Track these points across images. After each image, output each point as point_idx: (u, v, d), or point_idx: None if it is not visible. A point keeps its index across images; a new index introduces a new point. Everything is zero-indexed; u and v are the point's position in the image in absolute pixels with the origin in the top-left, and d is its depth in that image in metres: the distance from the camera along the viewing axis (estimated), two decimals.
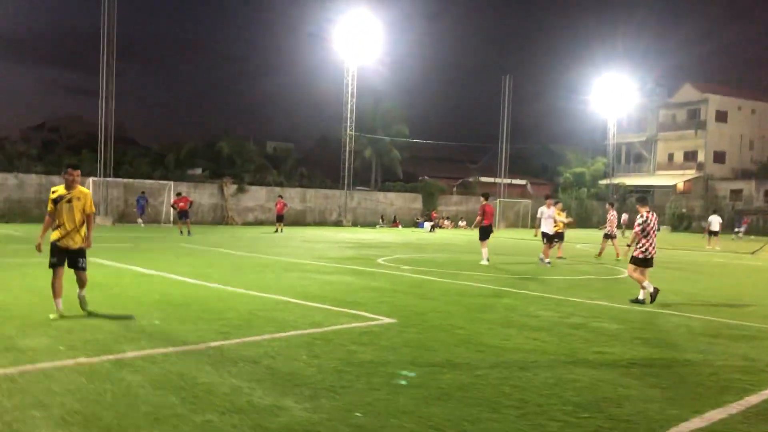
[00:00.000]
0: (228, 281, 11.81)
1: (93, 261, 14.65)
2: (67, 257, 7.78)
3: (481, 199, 17.63)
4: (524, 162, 65.43)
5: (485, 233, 17.19)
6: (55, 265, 7.75)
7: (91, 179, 33.34)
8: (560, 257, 19.26)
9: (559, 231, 18.86)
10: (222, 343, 6.83)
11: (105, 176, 35.33)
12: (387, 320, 8.42)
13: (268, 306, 9.27)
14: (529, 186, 63.54)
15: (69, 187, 7.77)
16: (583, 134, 67.46)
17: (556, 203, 19.41)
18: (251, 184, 42.12)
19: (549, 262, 17.26)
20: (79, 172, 7.81)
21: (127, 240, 22.50)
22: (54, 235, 7.75)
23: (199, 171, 43.52)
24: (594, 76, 58.97)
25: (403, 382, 5.60)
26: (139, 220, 33.10)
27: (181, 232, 26.65)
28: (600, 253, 21.05)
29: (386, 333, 7.62)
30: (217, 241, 22.97)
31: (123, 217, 35.63)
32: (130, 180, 36.30)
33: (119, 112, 70.55)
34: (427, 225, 42.31)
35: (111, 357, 6.09)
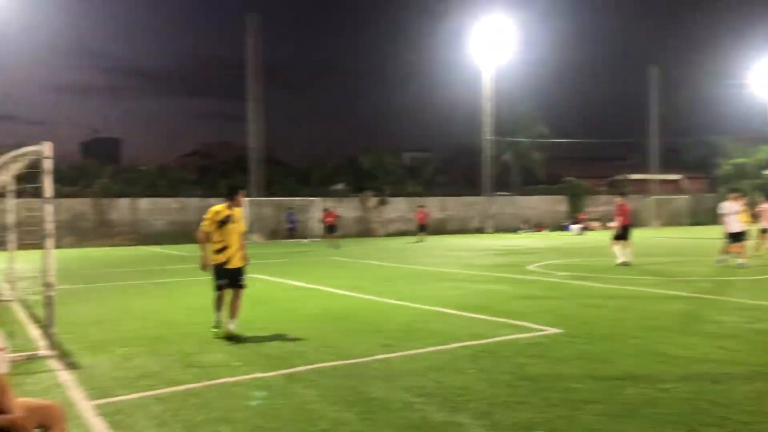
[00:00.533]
0: (382, 293, 11.91)
1: (252, 277, 15.51)
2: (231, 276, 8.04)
3: (617, 198, 17.82)
4: (678, 156, 61.29)
5: (624, 233, 17.00)
6: (222, 288, 7.92)
7: (246, 199, 35.41)
8: (731, 254, 17.58)
9: (746, 229, 17.10)
10: (387, 356, 6.82)
11: (257, 196, 37.31)
12: (552, 330, 8.05)
13: (426, 317, 9.21)
14: (684, 181, 59.45)
15: (231, 207, 7.96)
16: (742, 122, 62.09)
17: (741, 197, 17.57)
18: (392, 195, 42.70)
19: (743, 263, 15.71)
20: (245, 191, 8.12)
21: (281, 255, 23.48)
22: (220, 257, 7.83)
23: (341, 186, 44.74)
24: (751, 59, 54.16)
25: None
26: (296, 240, 34.43)
27: (330, 246, 27.40)
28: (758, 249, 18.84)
29: (554, 344, 7.27)
30: (364, 253, 23.41)
31: (274, 234, 37.38)
32: (281, 198, 38.05)
33: (267, 135, 74.34)
34: (575, 228, 40.71)
35: (283, 371, 6.25)
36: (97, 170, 39.65)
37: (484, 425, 4.66)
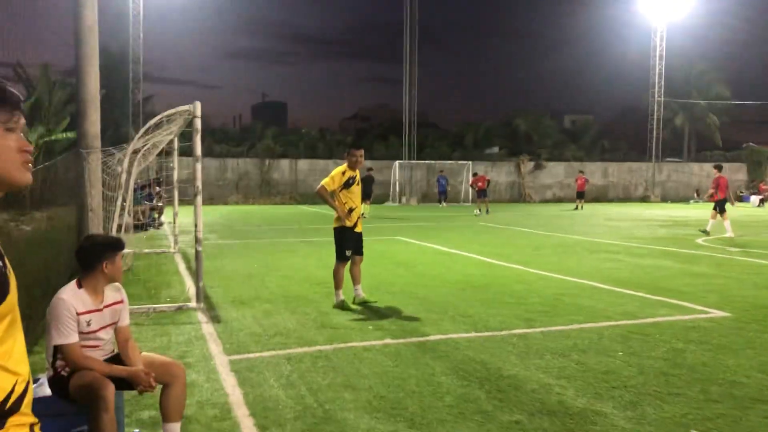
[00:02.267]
0: (528, 262, 11.39)
1: (398, 239, 15.67)
2: None
3: (714, 171, 17.37)
4: None
5: (720, 206, 16.88)
6: (351, 255, 7.48)
7: (396, 162, 35.69)
8: None
9: None
10: (526, 330, 6.41)
11: (409, 159, 37.51)
12: (718, 313, 7.19)
13: (574, 291, 8.61)
14: None
15: (353, 168, 7.54)
16: None
17: None
18: (548, 160, 41.14)
19: None
20: (362, 152, 7.51)
21: (429, 219, 23.44)
22: (348, 220, 7.44)
23: (496, 150, 43.85)
24: None
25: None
26: (443, 203, 34.30)
27: (479, 210, 26.97)
28: None
29: (719, 329, 6.46)
30: (515, 220, 22.73)
31: (425, 197, 37.46)
32: (432, 161, 38.01)
33: (421, 99, 74.42)
34: (755, 199, 36.93)
35: (415, 339, 6.06)
36: (261, 132, 41.75)
37: (629, 417, 4.17)
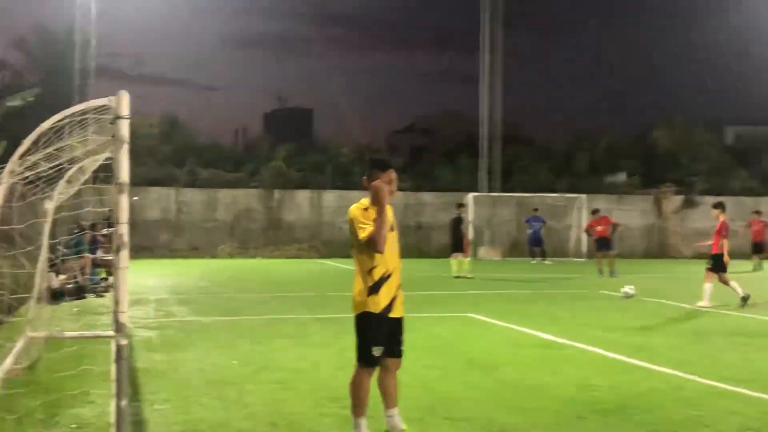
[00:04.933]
0: (687, 362, 10.20)
1: (471, 318, 14.75)
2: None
3: None
4: None
5: None
6: (378, 361, 6.47)
7: (470, 195, 34.59)
8: None
9: None
10: None
11: (490, 191, 36.40)
12: None
13: None
14: None
15: (380, 201, 6.33)
16: None
17: None
18: (704, 193, 39.44)
19: None
20: (395, 174, 6.65)
21: (520, 283, 22.54)
22: (378, 298, 6.38)
23: (623, 177, 42.48)
24: None
25: None
26: (537, 259, 32.84)
27: (601, 271, 25.60)
28: None
29: None
30: (656, 286, 21.39)
31: (515, 249, 36.23)
32: (524, 194, 36.83)
33: (509, 103, 73.67)
34: None
35: None
36: (271, 151, 41.33)
37: None
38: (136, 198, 34.26)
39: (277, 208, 35.66)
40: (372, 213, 6.26)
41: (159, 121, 39.17)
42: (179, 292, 18.76)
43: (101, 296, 17.60)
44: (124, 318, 6.36)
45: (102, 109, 6.55)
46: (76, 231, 18.35)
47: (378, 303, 6.28)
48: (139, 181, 34.57)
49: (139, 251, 32.41)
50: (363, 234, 6.19)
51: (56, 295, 15.63)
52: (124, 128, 6.32)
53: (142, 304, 15.99)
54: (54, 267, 16.36)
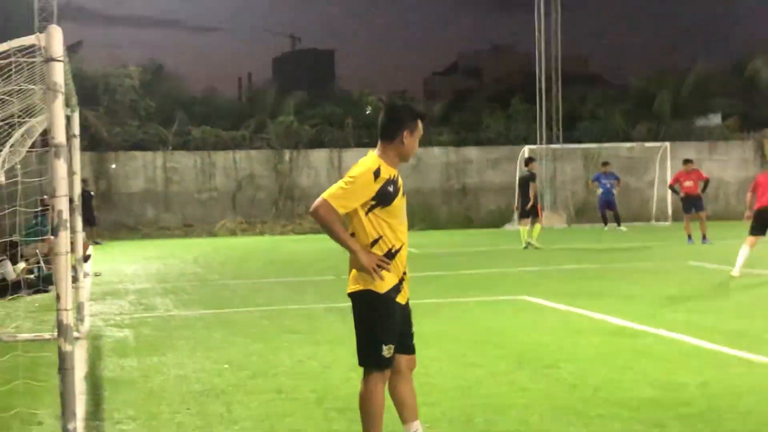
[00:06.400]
0: None
1: (523, 300, 14.60)
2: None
3: None
4: None
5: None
6: (393, 356, 6.16)
7: (526, 148, 34.16)
8: None
9: None
10: None
11: (548, 142, 35.99)
12: None
13: None
14: None
15: (395, 161, 6.25)
16: None
17: None
18: None
19: None
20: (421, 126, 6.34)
21: (590, 255, 22.31)
22: (389, 278, 6.11)
23: (717, 120, 41.85)
24: None
25: None
26: (610, 225, 32.20)
27: (690, 236, 25.21)
28: None
29: None
30: (761, 255, 20.78)
31: (582, 213, 35.85)
32: (593, 145, 36.34)
33: (571, 35, 72.90)
34: None
35: None
36: (279, 102, 40.96)
37: None
38: (113, 166, 34.40)
39: (288, 172, 35.44)
40: (382, 178, 5.94)
41: (141, 71, 38.62)
42: (165, 280, 18.66)
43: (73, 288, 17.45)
44: (68, 319, 6.15)
45: (30, 50, 6.35)
46: (37, 210, 18.02)
47: (382, 282, 5.98)
48: (117, 144, 34.68)
49: (118, 230, 32.49)
50: (327, 193, 5.88)
51: (10, 288, 15.51)
52: (58, 73, 6.08)
53: (117, 297, 15.92)
54: (9, 252, 16.29)
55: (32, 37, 6.22)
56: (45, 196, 18.45)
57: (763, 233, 17.06)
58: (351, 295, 6.09)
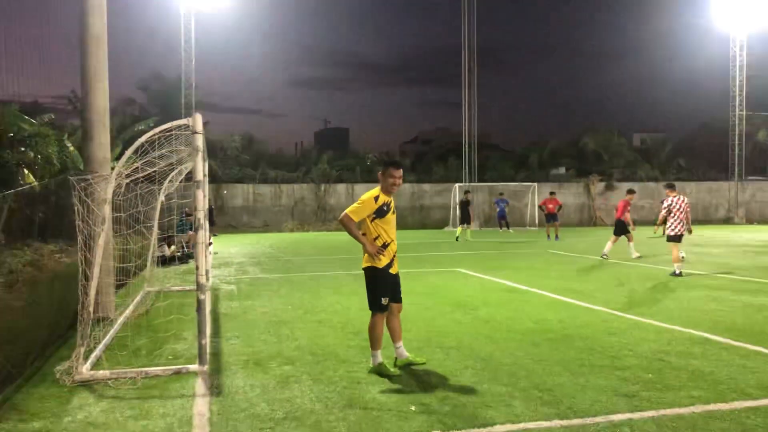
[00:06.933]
0: (613, 302, 9.54)
1: (457, 271, 14.10)
2: None
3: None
4: None
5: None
6: (387, 306, 5.97)
7: (456, 185, 33.95)
8: None
9: None
10: (630, 416, 4.62)
11: (470, 181, 35.71)
12: None
13: (681, 346, 6.73)
14: None
15: (388, 192, 6.02)
16: None
17: None
18: (620, 180, 38.59)
19: None
20: (401, 172, 6.03)
21: (492, 246, 21.66)
22: (383, 259, 5.96)
23: (562, 170, 41.53)
24: None
25: None
26: (503, 228, 32.10)
27: (549, 236, 24.96)
28: None
29: None
30: (588, 247, 20.57)
31: (488, 222, 35.57)
32: (493, 183, 36.11)
33: (483, 121, 72.56)
34: None
35: (476, 430, 4.36)
36: (317, 157, 40.68)
37: None
38: (225, 191, 33.91)
39: (323, 196, 35.09)
40: (381, 200, 5.87)
41: (240, 138, 38.40)
42: (253, 256, 18.28)
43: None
44: (202, 279, 6.02)
45: (184, 127, 6.18)
46: (183, 215, 17.97)
47: (381, 261, 5.88)
48: (227, 179, 34.18)
49: (227, 228, 32.05)
50: (349, 209, 5.83)
51: (167, 261, 15.32)
52: (199, 141, 5.97)
53: (226, 266, 15.55)
54: (167, 240, 16.07)
55: (185, 119, 6.06)
56: (186, 209, 18.31)
57: (619, 235, 16.71)
58: (364, 269, 5.95)
